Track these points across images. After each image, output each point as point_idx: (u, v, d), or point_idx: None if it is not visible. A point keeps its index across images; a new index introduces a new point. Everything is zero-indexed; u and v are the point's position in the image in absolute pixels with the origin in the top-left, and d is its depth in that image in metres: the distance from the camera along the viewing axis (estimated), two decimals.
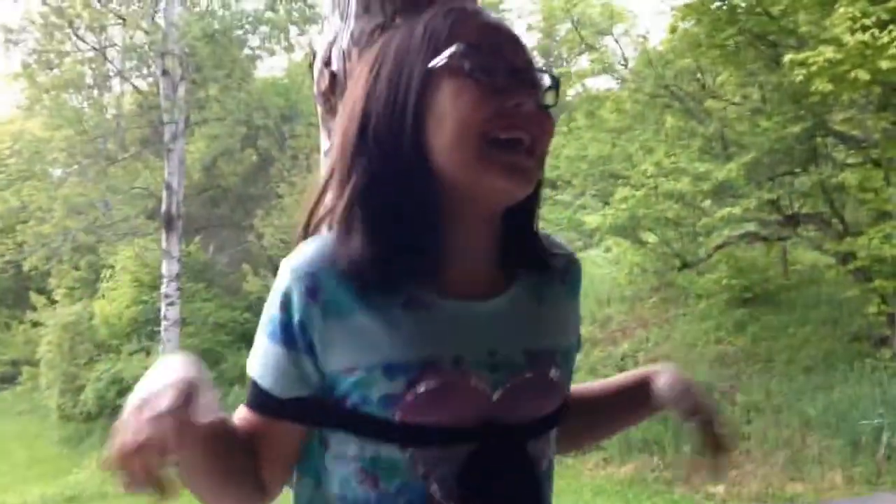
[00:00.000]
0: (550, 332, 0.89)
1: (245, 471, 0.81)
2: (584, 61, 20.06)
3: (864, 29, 10.02)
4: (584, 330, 16.96)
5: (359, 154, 0.81)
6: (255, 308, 20.48)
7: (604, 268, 17.67)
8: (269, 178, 22.10)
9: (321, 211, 0.88)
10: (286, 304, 0.80)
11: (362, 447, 0.78)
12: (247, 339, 21.26)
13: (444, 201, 0.80)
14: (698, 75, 14.94)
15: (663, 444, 11.72)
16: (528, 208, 0.86)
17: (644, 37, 17.13)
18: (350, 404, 0.78)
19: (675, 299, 16.41)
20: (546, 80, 0.83)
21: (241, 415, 0.85)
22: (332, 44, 1.08)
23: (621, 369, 14.00)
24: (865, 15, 10.11)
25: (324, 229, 0.86)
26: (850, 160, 12.68)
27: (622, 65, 16.99)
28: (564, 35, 21.03)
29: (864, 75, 10.18)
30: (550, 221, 17.84)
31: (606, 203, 14.61)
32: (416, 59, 0.79)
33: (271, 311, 0.81)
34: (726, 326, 14.19)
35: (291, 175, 20.10)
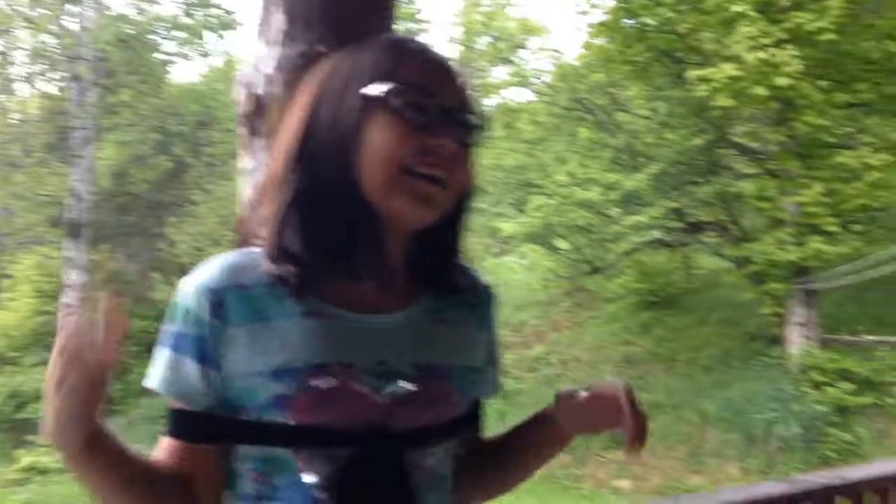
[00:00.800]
0: (446, 350, 0.92)
1: (171, 498, 0.84)
2: (502, 73, 20.47)
3: (763, 48, 10.68)
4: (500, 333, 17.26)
5: (293, 172, 0.86)
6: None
7: (519, 274, 18.07)
8: (182, 185, 21.55)
9: (255, 223, 0.91)
10: (189, 320, 0.84)
11: (253, 449, 0.84)
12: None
13: (362, 223, 0.85)
14: (610, 89, 15.50)
15: (572, 443, 12.07)
16: (443, 237, 0.92)
17: (558, 52, 17.64)
18: (247, 411, 0.83)
19: (586, 303, 16.95)
20: (474, 121, 0.89)
21: (163, 446, 0.87)
22: (255, 68, 1.19)
23: (532, 371, 14.41)
24: (764, 34, 10.76)
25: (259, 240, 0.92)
26: (749, 171, 13.45)
27: (538, 78, 17.45)
28: (484, 48, 21.41)
29: (762, 91, 10.85)
30: (468, 228, 18.11)
31: (522, 211, 14.96)
32: (353, 87, 0.85)
33: (174, 326, 0.85)
34: (633, 328, 14.76)
35: (206, 182, 19.68)
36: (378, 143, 0.83)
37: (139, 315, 19.98)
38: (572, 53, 16.49)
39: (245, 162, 1.20)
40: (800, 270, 11.74)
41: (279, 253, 0.85)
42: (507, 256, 18.92)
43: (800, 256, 11.20)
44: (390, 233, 0.87)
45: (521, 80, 17.65)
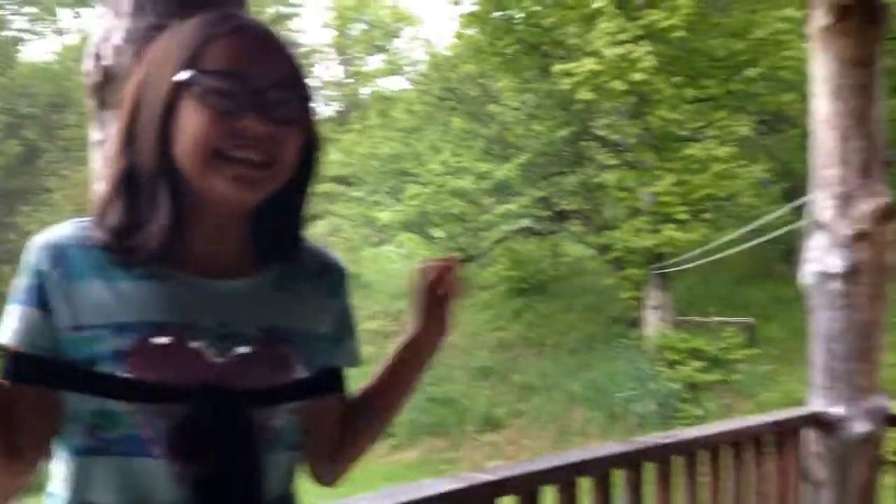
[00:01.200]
0: (289, 316, 0.94)
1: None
2: (376, 61, 20.42)
3: (621, 43, 11.24)
4: (378, 324, 17.39)
5: (123, 146, 0.88)
6: None
7: (397, 263, 18.16)
8: (35, 171, 20.10)
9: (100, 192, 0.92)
10: (31, 272, 0.86)
11: (85, 401, 0.84)
12: None
13: (182, 202, 0.87)
14: (481, 80, 15.80)
15: (448, 427, 12.43)
16: (283, 211, 0.93)
17: (431, 41, 17.78)
18: (83, 362, 0.84)
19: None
20: (293, 97, 0.89)
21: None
22: (104, 39, 1.18)
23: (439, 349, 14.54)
24: (622, 30, 11.33)
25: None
26: (610, 162, 14.16)
27: (412, 67, 17.53)
28: (357, 35, 21.22)
29: (620, 86, 11.42)
30: (345, 217, 17.98)
31: (398, 200, 15.03)
32: (168, 69, 0.86)
33: (20, 280, 0.87)
34: (505, 315, 15.23)
35: (62, 168, 18.45)
36: (188, 127, 0.84)
37: None
38: (445, 43, 16.62)
39: (95, 134, 1.18)
40: (655, 256, 12.51)
41: (102, 225, 0.87)
42: (385, 246, 18.96)
43: (654, 243, 11.92)
44: (219, 210, 0.89)
45: (396, 69, 17.69)
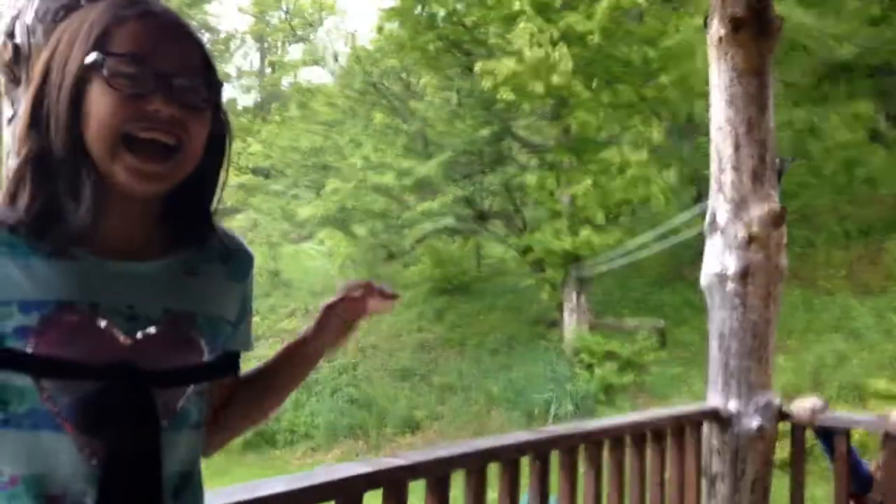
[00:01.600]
0: (196, 299, 0.96)
1: None
2: (297, 51, 20.10)
3: (540, 45, 11.45)
4: (297, 322, 17.13)
5: (32, 127, 0.88)
6: None
7: (318, 260, 17.95)
8: None
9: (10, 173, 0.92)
10: None
11: None
12: None
13: (89, 186, 0.88)
14: (403, 76, 15.80)
15: (367, 428, 12.41)
16: (194, 195, 0.95)
17: (352, 34, 17.61)
18: None
19: None
20: (198, 83, 0.90)
21: None
22: (15, 18, 1.16)
23: (329, 360, 14.45)
24: (542, 31, 11.52)
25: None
26: (531, 163, 14.41)
27: (334, 60, 17.37)
28: (276, 23, 20.78)
29: (539, 88, 11.66)
30: (264, 212, 17.63)
31: (318, 194, 14.87)
32: (77, 51, 0.87)
33: None
34: (428, 315, 15.30)
35: None
36: (96, 110, 0.86)
37: None
38: (367, 37, 16.45)
39: (7, 110, 1.17)
40: (573, 259, 12.81)
41: (13, 206, 0.88)
42: (305, 243, 18.70)
43: (573, 245, 12.20)
44: (126, 195, 0.90)
45: (317, 60, 17.44)
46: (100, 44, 0.87)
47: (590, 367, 12.11)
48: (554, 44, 11.38)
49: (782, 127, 14.10)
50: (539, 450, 2.18)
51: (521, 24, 11.43)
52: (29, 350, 0.83)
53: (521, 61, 11.26)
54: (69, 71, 0.86)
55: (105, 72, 0.85)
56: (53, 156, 0.87)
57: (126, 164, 0.86)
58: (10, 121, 1.18)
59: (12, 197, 0.88)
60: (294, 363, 1.12)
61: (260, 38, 27.10)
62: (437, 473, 1.87)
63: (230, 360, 1.03)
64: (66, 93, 0.86)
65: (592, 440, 2.41)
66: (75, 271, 0.87)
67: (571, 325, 13.03)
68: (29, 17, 1.16)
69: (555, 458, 2.24)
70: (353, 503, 1.68)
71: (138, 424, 0.87)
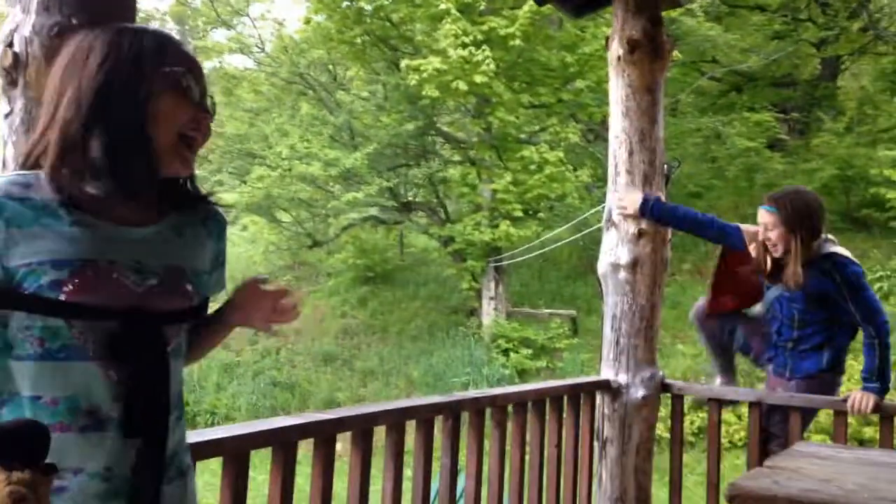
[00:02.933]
0: (184, 256, 1.21)
1: None
2: (220, 36, 19.77)
3: (465, 46, 11.82)
4: (216, 305, 16.95)
5: (100, 109, 1.10)
6: None
7: (240, 246, 17.84)
8: None
9: (34, 153, 1.14)
10: None
11: (34, 320, 1.07)
12: None
13: (149, 167, 1.14)
14: (331, 67, 15.85)
15: (289, 410, 12.48)
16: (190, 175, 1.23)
17: (280, 23, 17.50)
18: (27, 290, 1.06)
19: (308, 277, 17.34)
20: (210, 94, 1.24)
21: None
22: (14, 30, 1.38)
23: (252, 343, 14.50)
24: (466, 33, 11.89)
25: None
26: (454, 158, 14.77)
27: (259, 47, 17.24)
28: (199, 6, 20.38)
29: (463, 86, 12.00)
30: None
31: (244, 181, 14.82)
32: (149, 65, 1.13)
33: None
34: (351, 302, 15.48)
35: None
36: (169, 114, 1.13)
37: None
38: (294, 26, 16.40)
39: (4, 107, 1.39)
40: (493, 250, 13.27)
41: (58, 179, 1.10)
42: (228, 228, 18.49)
43: (492, 237, 12.65)
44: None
45: (242, 47, 17.25)
46: (169, 61, 1.15)
47: (506, 352, 12.60)
48: (477, 45, 11.74)
49: (691, 133, 15.01)
50: (451, 410, 2.49)
51: (447, 25, 11.72)
52: (62, 298, 1.07)
53: (446, 60, 11.57)
54: (142, 80, 1.12)
55: (185, 83, 1.14)
56: (114, 144, 1.11)
57: (182, 155, 1.16)
58: (6, 116, 1.40)
59: (56, 174, 1.10)
60: (211, 330, 1.39)
61: (180, 21, 26.42)
62: (361, 427, 2.16)
63: (205, 304, 1.29)
64: (142, 96, 1.12)
65: (498, 404, 2.73)
66: (96, 236, 1.12)
67: (490, 313, 13.50)
68: (27, 31, 1.39)
69: (465, 419, 2.56)
70: (288, 450, 1.95)
71: (152, 353, 1.14)
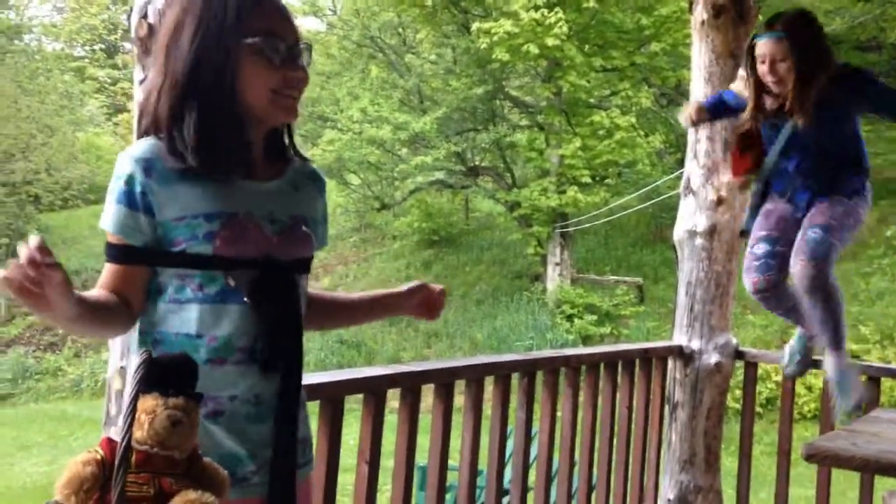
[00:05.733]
0: (304, 207, 1.32)
1: (118, 309, 1.20)
2: (292, 0, 19.98)
3: (537, 8, 11.66)
4: None
5: (192, 86, 1.19)
6: None
7: None
8: None
9: (146, 121, 1.24)
10: (129, 179, 1.18)
11: (190, 272, 1.19)
12: None
13: (245, 123, 1.23)
14: (400, 30, 15.86)
15: (355, 367, 12.83)
16: (288, 133, 1.33)
17: None
18: (180, 245, 1.18)
19: (374, 239, 17.63)
20: (306, 49, 1.29)
21: (105, 273, 1.23)
22: (147, 2, 1.50)
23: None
24: None
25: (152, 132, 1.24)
26: (522, 123, 14.68)
27: (331, 10, 17.34)
28: None
29: (534, 49, 11.89)
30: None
31: (315, 144, 15.07)
32: (234, 34, 1.19)
33: (118, 185, 1.18)
34: (415, 265, 15.71)
35: None
36: (257, 77, 1.22)
37: None
38: None
39: (139, 74, 1.52)
40: (559, 216, 13.22)
41: (171, 145, 1.20)
42: None
43: (559, 203, 12.59)
44: (259, 130, 1.27)
45: (314, 10, 17.40)
46: (253, 28, 1.22)
47: (570, 317, 12.61)
48: (550, 7, 11.56)
49: None
50: (526, 369, 2.59)
51: None
52: (213, 251, 1.20)
53: (517, 22, 11.44)
54: (229, 49, 1.21)
55: (267, 51, 1.22)
56: (216, 108, 1.20)
57: (281, 105, 1.24)
58: (141, 82, 1.53)
59: (176, 138, 1.19)
60: (373, 310, 1.52)
61: None
62: (444, 380, 2.28)
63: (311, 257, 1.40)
64: (230, 64, 1.21)
65: (572, 365, 2.81)
66: (231, 190, 1.24)
67: (554, 278, 13.50)
68: (160, 2, 1.50)
69: (539, 378, 2.65)
70: (378, 397, 2.08)
71: (289, 295, 1.26)
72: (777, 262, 2.73)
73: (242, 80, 1.22)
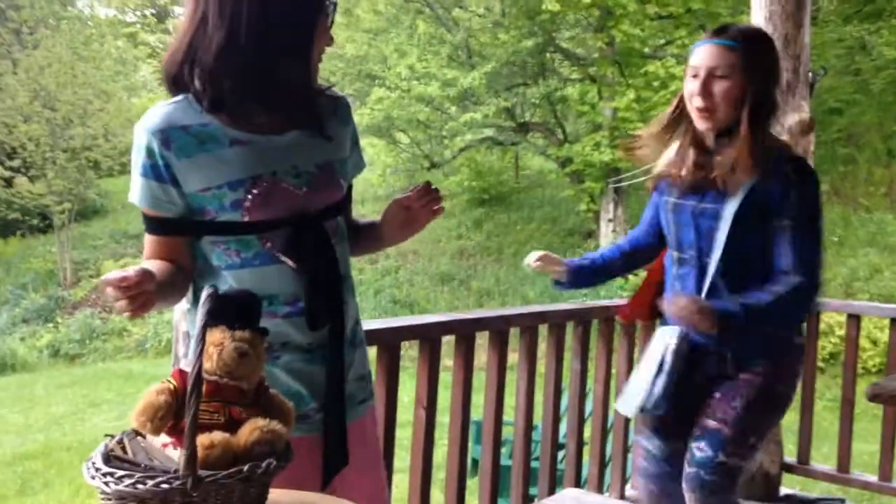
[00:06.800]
0: (328, 150, 1.31)
1: (177, 275, 1.24)
2: None
3: None
4: None
5: (243, 41, 1.16)
6: None
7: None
8: None
9: (176, 69, 1.20)
10: (150, 152, 1.20)
11: (226, 236, 1.23)
12: None
13: (301, 83, 1.25)
14: None
15: None
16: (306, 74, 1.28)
17: None
18: (210, 215, 1.21)
19: None
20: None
21: (149, 244, 1.26)
22: None
23: (372, 262, 15.08)
24: None
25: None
26: (574, 76, 14.39)
27: None
28: None
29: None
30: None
31: (363, 103, 15.07)
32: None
33: (140, 157, 1.20)
34: (467, 224, 15.71)
35: (13, 52, 17.87)
36: (321, 39, 1.25)
37: None
38: None
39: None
40: (612, 171, 13.00)
41: (213, 93, 1.20)
42: None
43: (612, 158, 12.38)
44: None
45: None
46: None
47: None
48: None
49: (833, 44, 13.90)
50: (581, 317, 2.59)
51: None
52: (245, 218, 1.22)
53: None
54: (307, 9, 1.22)
55: (330, 16, 1.25)
56: (271, 63, 1.19)
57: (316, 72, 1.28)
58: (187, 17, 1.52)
59: (212, 94, 1.19)
60: (370, 237, 1.49)
61: None
62: (498, 327, 2.29)
63: (349, 191, 1.42)
64: (307, 24, 1.22)
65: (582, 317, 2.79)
66: (253, 151, 1.24)
67: (608, 235, 13.35)
68: None
69: (595, 330, 2.65)
70: (433, 343, 2.11)
71: (323, 246, 1.28)
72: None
73: (315, 39, 1.23)
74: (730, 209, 1.75)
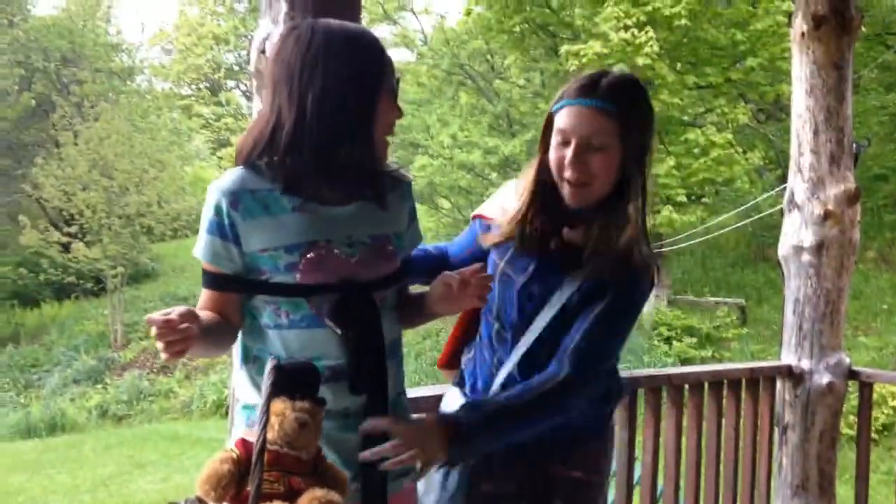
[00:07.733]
0: (385, 224, 1.37)
1: (224, 328, 1.30)
2: (384, 32, 20.60)
3: (626, 28, 11.59)
4: None
5: (308, 119, 1.25)
6: (29, 263, 18.58)
7: None
8: (48, 125, 20.41)
9: (250, 148, 1.30)
10: (218, 211, 1.27)
11: (277, 297, 1.28)
12: (20, 296, 19.05)
13: (365, 157, 1.32)
14: (489, 57, 16.06)
15: None
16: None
17: (443, 16, 17.96)
18: (265, 274, 1.27)
19: None
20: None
21: (203, 297, 1.32)
22: (265, 39, 1.61)
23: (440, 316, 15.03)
24: (628, 15, 11.62)
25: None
26: None
27: (422, 40, 17.76)
28: (365, 2, 21.35)
29: (624, 69, 11.78)
30: None
31: (406, 170, 15.38)
32: (379, 76, 1.31)
33: (209, 215, 1.28)
34: None
35: (74, 122, 18.74)
36: (387, 116, 1.33)
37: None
38: (454, 18, 16.80)
39: (257, 104, 1.63)
40: (654, 236, 12.95)
41: (284, 170, 1.28)
42: None
43: (653, 223, 12.35)
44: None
45: (405, 41, 17.89)
46: (389, 69, 1.35)
47: (668, 340, 12.27)
48: (640, 27, 11.46)
49: (875, 112, 13.83)
50: (627, 386, 2.55)
51: (608, 8, 11.53)
52: (298, 279, 1.27)
53: (607, 43, 11.38)
54: (375, 88, 1.31)
55: (396, 89, 1.34)
56: (337, 139, 1.27)
57: (386, 145, 1.35)
58: (260, 111, 1.63)
59: (279, 168, 1.28)
60: (416, 308, 1.51)
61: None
62: None
63: (406, 265, 1.45)
64: (371, 101, 1.30)
65: (674, 383, 2.75)
66: (311, 219, 1.30)
67: (651, 300, 13.20)
68: (275, 38, 1.61)
69: (641, 399, 2.61)
70: None
71: (368, 314, 1.33)
72: None
73: (378, 109, 1.30)
74: (560, 296, 1.53)
